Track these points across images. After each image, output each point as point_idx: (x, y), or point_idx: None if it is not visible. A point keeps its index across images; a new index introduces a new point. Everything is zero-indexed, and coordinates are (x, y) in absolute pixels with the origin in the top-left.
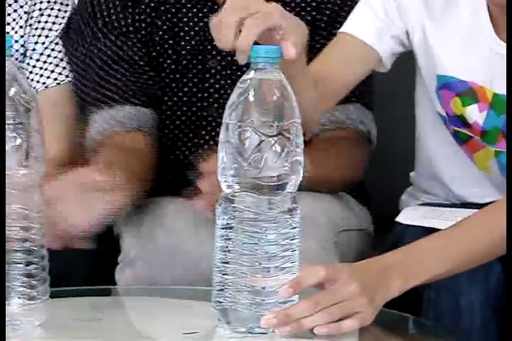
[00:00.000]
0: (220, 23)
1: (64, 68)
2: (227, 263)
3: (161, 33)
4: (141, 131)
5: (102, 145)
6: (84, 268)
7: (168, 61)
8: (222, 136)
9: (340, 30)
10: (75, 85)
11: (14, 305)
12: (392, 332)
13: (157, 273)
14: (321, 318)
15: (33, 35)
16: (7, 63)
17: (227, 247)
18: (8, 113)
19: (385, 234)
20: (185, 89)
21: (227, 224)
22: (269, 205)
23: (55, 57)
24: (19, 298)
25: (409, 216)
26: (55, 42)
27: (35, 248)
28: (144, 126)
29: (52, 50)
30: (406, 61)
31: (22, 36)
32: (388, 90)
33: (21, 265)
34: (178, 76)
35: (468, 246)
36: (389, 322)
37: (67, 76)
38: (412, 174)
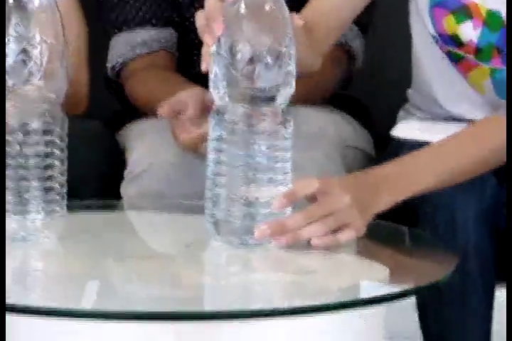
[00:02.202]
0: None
1: None
2: (219, 175)
3: None
4: (166, 51)
5: (132, 68)
6: (91, 181)
7: None
8: (214, 48)
9: None
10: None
11: (32, 220)
12: (389, 244)
13: (164, 188)
14: (317, 229)
15: None
16: None
17: (219, 159)
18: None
19: (383, 154)
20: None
21: (220, 135)
22: (261, 117)
23: None
24: (38, 212)
25: (403, 130)
26: None
27: (56, 162)
28: (167, 46)
29: None
30: None
31: None
32: (388, 6)
33: (41, 180)
34: None
35: (458, 159)
36: (385, 235)
37: None
38: (408, 91)
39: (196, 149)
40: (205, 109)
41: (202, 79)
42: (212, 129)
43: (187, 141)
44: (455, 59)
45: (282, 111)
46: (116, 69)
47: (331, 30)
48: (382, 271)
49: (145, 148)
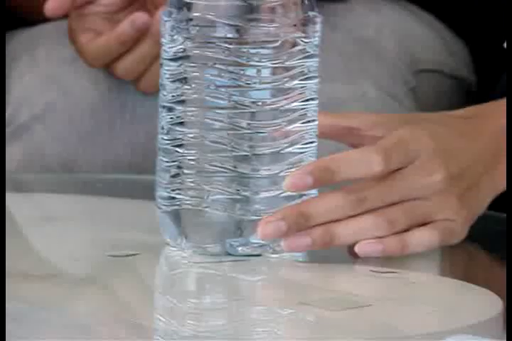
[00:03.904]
0: None
1: None
2: (182, 124)
3: None
4: None
5: None
6: None
7: None
8: None
9: None
10: None
11: None
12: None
13: (71, 151)
14: (369, 225)
15: None
16: None
17: (181, 92)
18: None
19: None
20: None
21: (180, 50)
22: (263, 11)
23: None
24: None
25: None
26: None
27: None
28: None
29: None
30: None
31: None
32: None
33: None
34: None
35: None
36: (496, 235)
37: None
38: None
39: (112, 66)
40: None
41: None
42: (168, 38)
43: (93, 50)
44: None
45: (304, 3)
46: None
47: None
48: (493, 302)
49: (36, 74)
